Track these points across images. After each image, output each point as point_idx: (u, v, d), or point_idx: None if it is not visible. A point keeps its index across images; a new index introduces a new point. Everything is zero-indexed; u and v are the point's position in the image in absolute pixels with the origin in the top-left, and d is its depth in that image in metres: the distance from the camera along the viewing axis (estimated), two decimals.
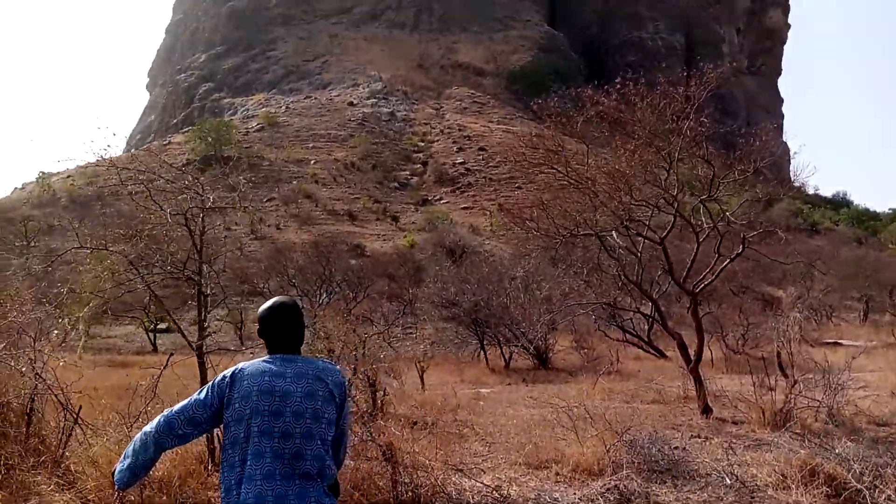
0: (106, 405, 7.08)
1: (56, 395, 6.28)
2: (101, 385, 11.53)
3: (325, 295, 25.31)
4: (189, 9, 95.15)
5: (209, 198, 6.32)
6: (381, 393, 10.91)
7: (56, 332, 6.31)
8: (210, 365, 7.47)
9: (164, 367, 6.70)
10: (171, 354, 6.96)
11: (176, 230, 6.40)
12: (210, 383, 2.89)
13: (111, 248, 6.62)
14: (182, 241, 6.67)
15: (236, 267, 28.61)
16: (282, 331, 2.89)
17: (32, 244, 31.65)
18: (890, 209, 64.23)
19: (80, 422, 6.22)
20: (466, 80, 78.89)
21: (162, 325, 25.21)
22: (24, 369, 6.06)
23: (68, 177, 46.72)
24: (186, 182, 6.31)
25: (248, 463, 2.63)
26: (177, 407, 2.89)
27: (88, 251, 7.07)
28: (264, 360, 2.86)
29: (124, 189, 7.21)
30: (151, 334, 25.34)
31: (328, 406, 2.77)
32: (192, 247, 6.33)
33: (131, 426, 6.10)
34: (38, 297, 9.07)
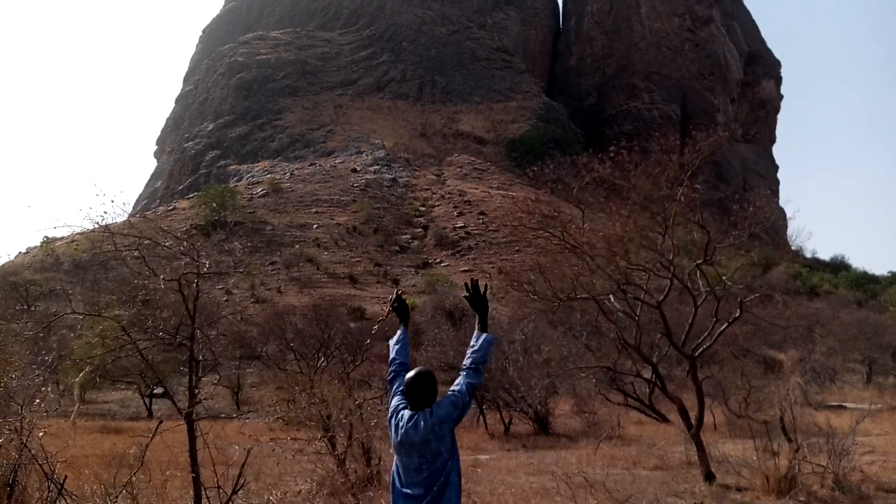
0: (91, 475, 6.95)
1: (41, 465, 6.18)
2: (90, 452, 11.34)
3: (323, 359, 25.10)
4: (200, 80, 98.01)
5: (205, 263, 6.39)
6: (377, 461, 10.71)
7: (41, 400, 6.25)
8: (200, 433, 7.37)
9: (153, 436, 6.61)
10: (161, 422, 6.88)
11: (170, 295, 6.44)
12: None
13: (104, 314, 6.64)
14: (176, 307, 6.69)
15: (235, 331, 28.49)
16: (415, 394, 3.86)
17: (32, 308, 31.65)
18: (889, 272, 64.29)
19: (64, 492, 6.10)
20: (467, 148, 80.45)
21: (158, 390, 24.92)
22: (6, 440, 5.98)
23: (72, 241, 47.14)
24: (182, 248, 6.39)
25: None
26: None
27: (82, 317, 7.10)
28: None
29: (123, 255, 7.29)
30: (147, 399, 25.02)
31: (440, 444, 3.70)
32: (185, 312, 6.35)
33: (116, 497, 5.98)
34: (32, 362, 9.04)
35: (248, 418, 14.76)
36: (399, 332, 4.42)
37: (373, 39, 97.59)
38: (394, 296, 4.47)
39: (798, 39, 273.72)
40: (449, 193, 65.29)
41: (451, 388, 3.93)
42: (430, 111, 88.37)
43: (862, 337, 30.84)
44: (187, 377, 7.27)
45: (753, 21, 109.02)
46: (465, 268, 49.69)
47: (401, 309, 4.45)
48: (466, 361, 4.00)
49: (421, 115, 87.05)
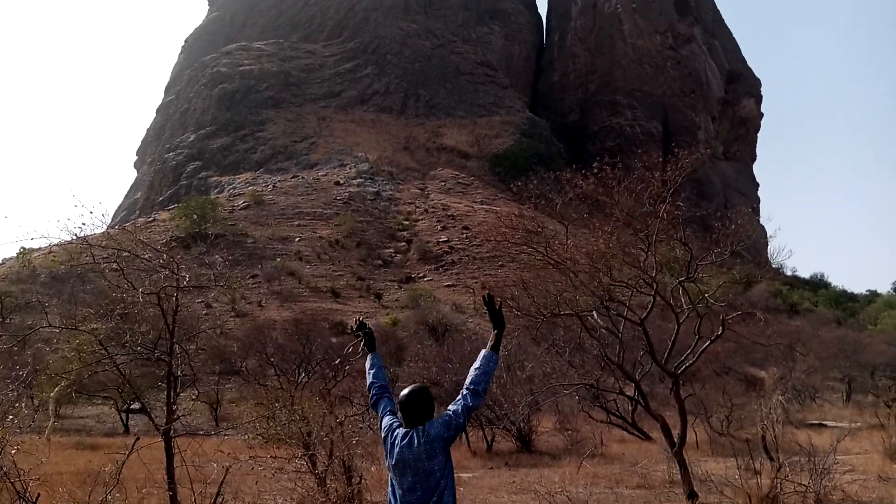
0: (66, 493, 6.76)
1: (13, 483, 5.99)
2: (65, 470, 11.06)
3: (303, 374, 24.82)
4: (181, 90, 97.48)
5: (184, 276, 6.26)
6: (358, 479, 10.54)
7: (14, 416, 6.07)
8: (177, 450, 7.20)
9: (130, 453, 6.45)
10: (138, 438, 6.71)
11: (149, 309, 6.30)
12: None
13: (81, 328, 6.48)
14: (155, 321, 6.56)
15: (214, 345, 28.14)
16: (410, 411, 3.86)
17: (7, 321, 31.02)
18: (867, 290, 65.16)
19: None
20: (451, 162, 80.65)
21: (135, 406, 24.49)
22: None
23: (49, 252, 46.41)
24: (162, 260, 6.26)
25: None
26: None
27: (59, 330, 6.92)
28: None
29: (101, 267, 7.13)
30: (124, 415, 24.56)
31: (433, 462, 3.70)
32: (164, 326, 6.21)
33: None
34: (6, 376, 8.81)
35: (226, 435, 14.51)
36: (370, 358, 4.45)
37: (357, 52, 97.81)
38: (355, 324, 4.50)
39: (778, 59, 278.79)
40: (432, 207, 65.31)
41: (449, 407, 3.91)
42: (413, 125, 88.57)
43: (841, 355, 31.16)
44: (165, 392, 7.11)
45: (734, 40, 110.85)
46: (449, 282, 49.62)
47: (366, 335, 4.49)
48: (467, 381, 3.98)
49: (405, 129, 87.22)
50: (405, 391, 3.96)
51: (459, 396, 3.94)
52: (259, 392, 16.68)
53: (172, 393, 7.01)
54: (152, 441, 6.94)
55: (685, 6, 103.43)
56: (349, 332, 4.63)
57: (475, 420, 20.35)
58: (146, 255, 7.14)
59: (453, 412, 3.85)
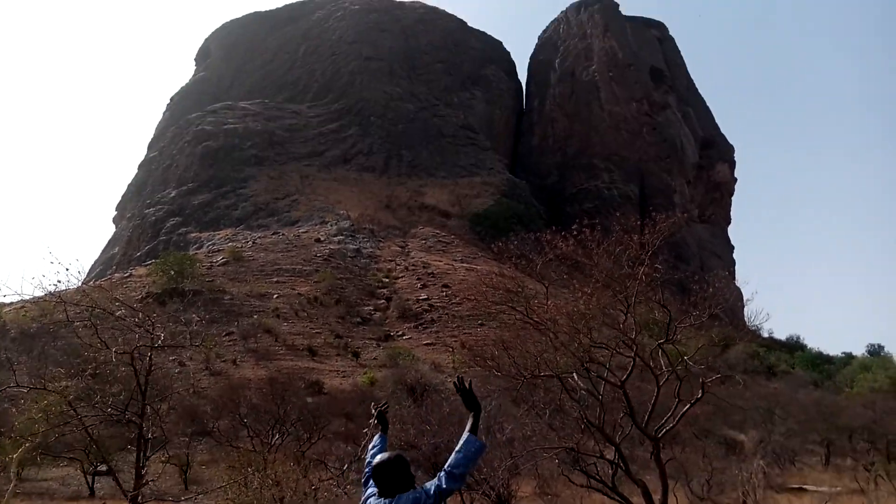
0: None
1: None
2: None
3: (277, 436, 24.21)
4: (165, 147, 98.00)
5: (159, 335, 6.16)
6: None
7: None
8: None
9: None
10: (104, 503, 6.44)
11: (121, 368, 6.16)
12: None
13: (50, 387, 6.30)
14: (127, 381, 6.40)
15: (186, 405, 27.43)
16: (382, 480, 3.82)
17: None
18: (842, 353, 65.66)
19: None
20: (432, 221, 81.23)
21: (102, 468, 23.61)
22: None
23: (21, 308, 45.45)
24: (137, 319, 6.16)
25: None
26: None
27: (27, 390, 6.73)
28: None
29: (74, 324, 6.99)
30: (90, 477, 23.63)
31: None
32: (136, 387, 6.07)
33: None
34: None
35: (197, 500, 14.00)
36: (377, 438, 4.58)
37: (341, 113, 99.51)
38: (375, 412, 4.70)
39: (752, 125, 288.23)
40: (413, 265, 65.35)
41: (425, 484, 3.82)
42: (395, 184, 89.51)
43: (819, 418, 31.15)
44: (134, 454, 6.88)
45: (708, 108, 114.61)
46: (428, 341, 49.24)
47: (381, 420, 4.70)
48: (447, 463, 3.90)
49: (387, 188, 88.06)
50: (377, 459, 3.95)
51: (436, 476, 3.83)
52: (231, 454, 16.22)
53: (142, 456, 6.79)
54: None
55: (660, 75, 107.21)
56: (372, 412, 4.79)
57: None
58: (119, 312, 7.03)
59: (424, 491, 3.76)
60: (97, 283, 57.40)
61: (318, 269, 60.04)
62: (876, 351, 64.68)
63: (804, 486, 23.95)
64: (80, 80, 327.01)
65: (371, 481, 4.06)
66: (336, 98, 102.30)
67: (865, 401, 35.88)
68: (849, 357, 62.64)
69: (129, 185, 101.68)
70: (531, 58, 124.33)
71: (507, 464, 16.14)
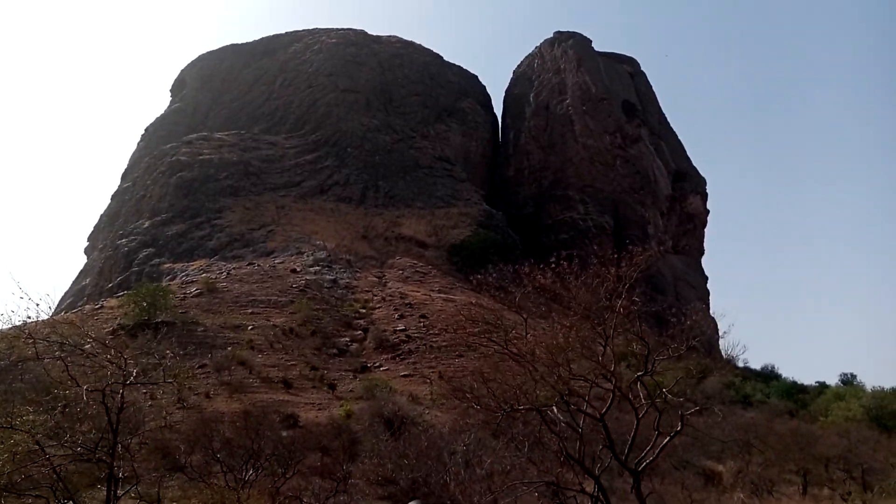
0: None
1: None
2: None
3: (251, 471, 23.67)
4: (138, 177, 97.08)
5: (131, 372, 6.00)
6: None
7: None
8: None
9: None
10: None
11: (92, 406, 5.97)
12: None
13: (17, 425, 6.09)
14: (97, 418, 6.20)
15: (157, 439, 26.77)
16: None
17: None
18: (816, 382, 66.32)
19: None
20: (409, 251, 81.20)
21: None
22: None
23: None
24: (109, 356, 6.00)
25: None
26: None
27: None
28: None
29: (44, 361, 6.79)
30: None
31: None
32: (107, 425, 5.88)
33: None
34: None
35: None
36: None
37: (318, 144, 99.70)
38: None
39: (722, 158, 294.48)
40: (390, 296, 65.05)
41: None
42: (372, 214, 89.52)
43: (796, 447, 31.32)
44: (104, 491, 6.65)
45: (680, 142, 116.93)
46: (406, 372, 48.81)
47: None
48: None
49: (364, 218, 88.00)
50: None
51: None
52: (204, 491, 15.78)
53: (112, 495, 6.57)
54: None
55: (632, 109, 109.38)
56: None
57: None
58: (90, 346, 6.85)
59: None
60: (67, 315, 56.27)
61: (293, 300, 59.46)
62: (849, 380, 65.51)
63: None
64: (53, 109, 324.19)
65: None
66: (313, 129, 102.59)
67: (840, 430, 36.23)
68: (822, 386, 63.28)
69: (102, 216, 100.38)
70: (506, 91, 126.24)
71: (487, 499, 15.92)
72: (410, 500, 4.12)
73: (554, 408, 13.70)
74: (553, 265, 14.36)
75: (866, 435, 35.25)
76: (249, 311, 57.21)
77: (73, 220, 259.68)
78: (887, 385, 56.92)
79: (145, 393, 34.84)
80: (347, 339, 55.15)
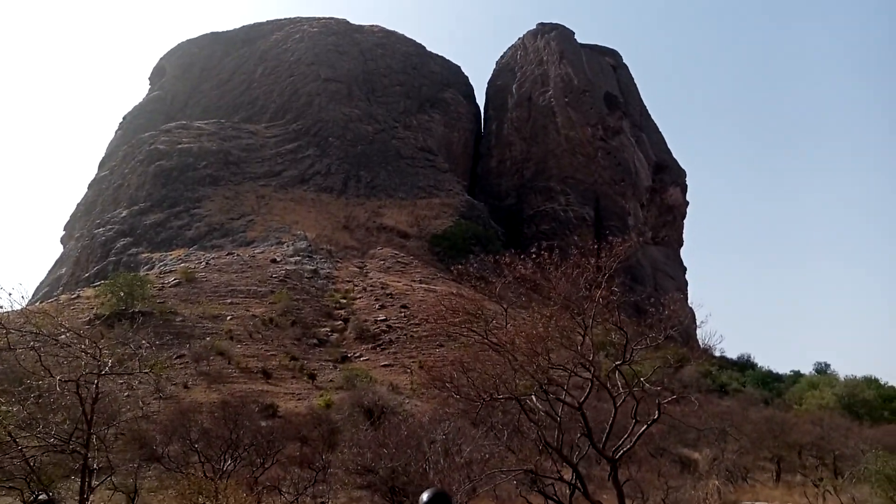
0: None
1: None
2: None
3: (230, 461, 23.56)
4: (116, 166, 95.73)
5: (106, 362, 5.92)
6: None
7: None
8: None
9: None
10: None
11: (66, 396, 5.90)
12: None
13: None
14: (72, 409, 6.13)
15: (134, 429, 26.54)
16: None
17: None
18: (791, 371, 67.41)
19: None
20: (390, 242, 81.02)
21: (42, 497, 22.56)
22: None
23: None
24: (83, 345, 5.92)
25: None
26: None
27: None
28: None
29: (17, 351, 6.67)
30: None
31: None
32: (81, 415, 5.81)
33: None
34: None
35: None
36: None
37: (299, 133, 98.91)
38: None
39: (703, 151, 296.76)
40: (371, 286, 64.93)
41: None
42: (354, 204, 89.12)
43: (770, 435, 31.84)
44: (79, 483, 6.58)
45: (660, 133, 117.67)
46: (386, 362, 48.84)
47: None
48: None
49: (345, 209, 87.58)
50: (426, 495, 3.95)
51: None
52: (181, 481, 15.69)
53: (87, 487, 6.50)
54: None
55: (614, 101, 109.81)
56: None
57: None
58: (65, 337, 6.76)
59: None
60: (42, 305, 55.43)
61: (273, 290, 59.14)
62: (822, 369, 66.70)
63: (757, 503, 24.38)
64: (29, 97, 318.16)
65: None
66: (294, 119, 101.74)
67: (814, 418, 36.89)
68: (797, 375, 64.36)
69: (79, 205, 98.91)
70: (489, 82, 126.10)
71: (466, 487, 16.00)
72: (428, 489, 4.04)
73: (533, 397, 13.78)
74: (534, 255, 14.39)
75: (838, 422, 35.92)
76: (229, 301, 56.81)
77: (48, 209, 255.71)
78: (860, 374, 58.08)
79: (122, 383, 34.50)
80: (328, 329, 55.00)
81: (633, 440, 12.78)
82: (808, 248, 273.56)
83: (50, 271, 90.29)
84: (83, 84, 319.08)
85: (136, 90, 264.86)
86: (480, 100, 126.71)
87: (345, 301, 60.83)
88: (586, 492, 13.44)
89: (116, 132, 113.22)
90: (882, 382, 56.39)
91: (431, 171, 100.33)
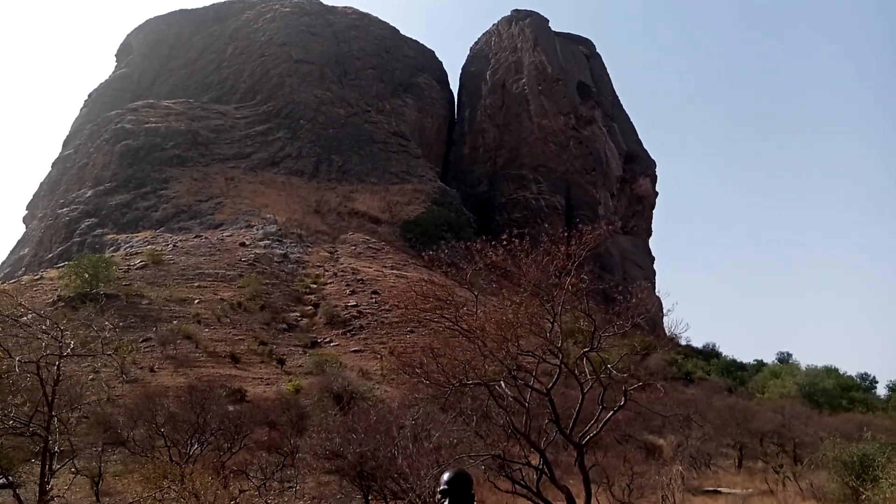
0: None
1: None
2: None
3: (196, 445, 23.37)
4: (81, 145, 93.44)
5: (68, 343, 5.79)
6: None
7: None
8: None
9: None
10: None
11: (26, 379, 5.75)
12: None
13: None
14: (33, 392, 5.99)
15: (99, 413, 26.14)
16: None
17: None
18: (754, 360, 68.98)
19: None
20: (362, 227, 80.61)
21: (2, 480, 22.14)
22: None
23: None
24: (45, 326, 5.77)
25: None
26: None
27: None
28: None
29: None
30: None
31: None
32: (42, 397, 5.68)
33: None
34: None
35: None
36: None
37: (269, 115, 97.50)
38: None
39: (672, 142, 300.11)
40: (342, 271, 64.61)
41: None
42: (325, 189, 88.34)
43: (733, 423, 32.59)
44: (39, 468, 6.45)
45: (632, 124, 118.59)
46: (356, 348, 48.73)
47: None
48: None
49: (316, 192, 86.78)
50: (448, 474, 3.86)
51: None
52: (147, 465, 15.52)
53: (48, 470, 6.37)
54: None
55: (587, 91, 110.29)
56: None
57: (379, 493, 19.69)
58: (27, 317, 6.58)
59: None
60: (4, 285, 54.13)
61: (242, 274, 58.52)
62: (785, 358, 68.36)
63: (719, 489, 24.96)
64: None
65: None
66: (264, 100, 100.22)
67: (775, 406, 37.82)
68: (760, 364, 65.90)
69: (42, 184, 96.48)
70: (463, 68, 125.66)
71: (434, 472, 16.07)
72: (449, 469, 3.91)
73: (502, 383, 13.88)
74: (505, 243, 14.44)
75: (799, 410, 36.89)
76: (196, 284, 56.07)
77: (10, 188, 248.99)
78: (820, 364, 59.67)
79: (87, 366, 33.92)
80: (297, 314, 54.64)
81: (600, 426, 12.97)
82: (775, 240, 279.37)
83: (12, 251, 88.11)
84: (47, 59, 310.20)
85: (102, 67, 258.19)
86: (454, 86, 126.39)
87: (315, 286, 60.46)
88: (553, 476, 13.61)
89: (81, 110, 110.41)
90: (841, 372, 58.08)
91: (404, 156, 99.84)
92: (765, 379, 54.86)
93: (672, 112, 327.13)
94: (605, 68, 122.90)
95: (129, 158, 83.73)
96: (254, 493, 13.50)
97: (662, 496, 14.03)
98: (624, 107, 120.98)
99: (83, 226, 75.69)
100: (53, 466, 6.38)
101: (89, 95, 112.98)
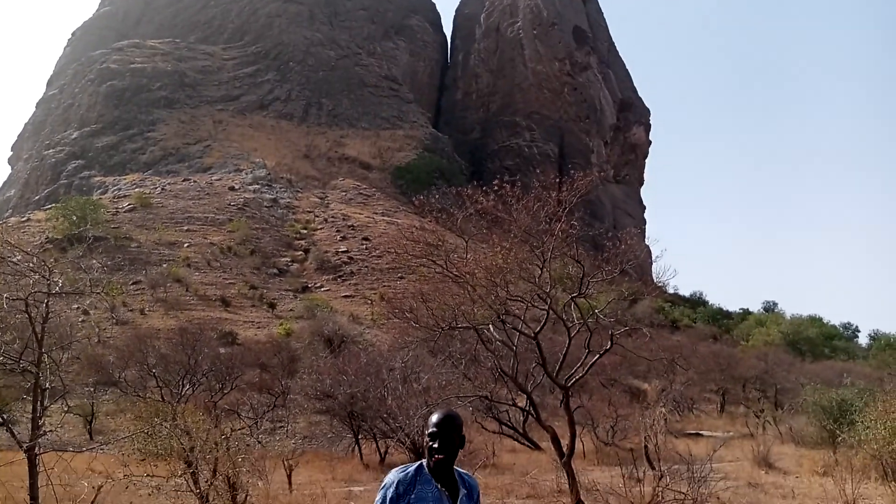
0: None
1: None
2: None
3: (188, 386, 23.68)
4: (66, 85, 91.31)
5: (56, 282, 5.77)
6: (244, 495, 10.11)
7: None
8: (43, 467, 6.62)
9: None
10: None
11: (15, 316, 5.75)
12: None
13: None
14: (22, 329, 5.99)
15: (90, 354, 26.36)
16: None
17: None
18: (740, 309, 69.97)
19: None
20: (352, 173, 79.94)
21: None
22: None
23: None
24: (32, 264, 5.74)
25: None
26: None
27: None
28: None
29: None
30: None
31: None
32: (31, 335, 5.69)
33: None
34: None
35: (102, 450, 13.55)
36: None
37: (258, 57, 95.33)
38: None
39: (666, 91, 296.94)
40: (332, 217, 64.41)
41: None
42: (315, 133, 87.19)
43: (717, 369, 33.27)
44: (31, 405, 6.52)
45: (627, 71, 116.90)
46: (347, 293, 49.01)
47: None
48: None
49: (306, 137, 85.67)
50: (437, 415, 3.63)
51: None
52: (138, 405, 15.73)
53: (39, 406, 6.43)
54: (15, 458, 6.34)
55: (583, 36, 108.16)
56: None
57: (369, 432, 20.11)
58: (15, 258, 6.54)
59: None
60: None
61: (231, 219, 58.24)
62: (770, 307, 69.42)
63: (700, 432, 25.67)
64: None
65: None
66: (253, 41, 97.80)
67: (759, 353, 38.57)
68: (746, 313, 66.88)
69: (26, 124, 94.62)
70: (457, 11, 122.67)
71: (423, 412, 16.41)
72: (438, 410, 3.76)
73: (490, 327, 14.03)
74: (496, 189, 14.39)
75: (782, 358, 37.67)
76: (185, 228, 55.81)
77: None
78: (805, 313, 60.62)
79: (77, 308, 34.01)
80: (288, 259, 54.70)
81: (586, 369, 13.20)
82: (764, 191, 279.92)
83: None
84: None
85: (85, 4, 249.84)
86: (447, 29, 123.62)
87: (305, 231, 60.34)
88: (539, 417, 13.92)
89: (65, 49, 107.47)
90: (825, 321, 59.09)
91: (395, 101, 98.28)
92: (750, 327, 55.76)
93: (667, 59, 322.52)
94: (602, 13, 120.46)
95: (115, 99, 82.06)
96: (245, 432, 13.73)
97: (645, 437, 14.39)
98: (619, 52, 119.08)
99: (70, 168, 74.70)
100: (45, 403, 6.44)
101: (73, 34, 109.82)
